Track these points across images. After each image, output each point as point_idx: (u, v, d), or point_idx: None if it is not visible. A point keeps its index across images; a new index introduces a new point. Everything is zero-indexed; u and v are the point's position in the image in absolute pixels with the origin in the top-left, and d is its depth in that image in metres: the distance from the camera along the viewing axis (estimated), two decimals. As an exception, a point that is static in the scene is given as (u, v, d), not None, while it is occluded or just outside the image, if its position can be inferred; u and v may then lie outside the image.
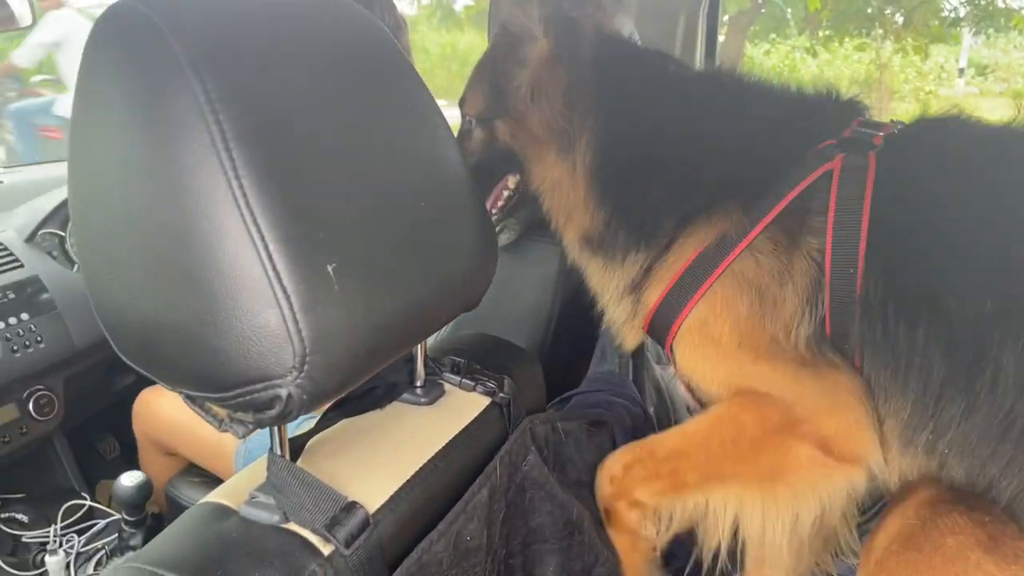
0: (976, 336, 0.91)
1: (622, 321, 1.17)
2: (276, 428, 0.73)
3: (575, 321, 1.37)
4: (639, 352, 1.36)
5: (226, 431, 0.69)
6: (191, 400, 0.69)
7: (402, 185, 0.75)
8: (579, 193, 1.14)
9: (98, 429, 2.25)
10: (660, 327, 1.10)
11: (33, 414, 1.85)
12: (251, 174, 0.60)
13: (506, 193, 1.30)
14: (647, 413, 1.44)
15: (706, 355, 1.06)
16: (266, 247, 0.60)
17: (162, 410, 1.74)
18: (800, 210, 1.01)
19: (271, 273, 0.60)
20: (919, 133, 1.06)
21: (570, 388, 1.27)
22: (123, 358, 0.68)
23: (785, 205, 1.01)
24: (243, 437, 0.69)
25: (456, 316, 0.85)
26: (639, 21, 1.72)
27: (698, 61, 2.04)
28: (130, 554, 0.68)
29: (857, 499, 1.06)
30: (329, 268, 0.64)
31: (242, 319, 0.60)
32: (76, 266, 2.03)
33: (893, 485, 1.02)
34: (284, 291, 0.61)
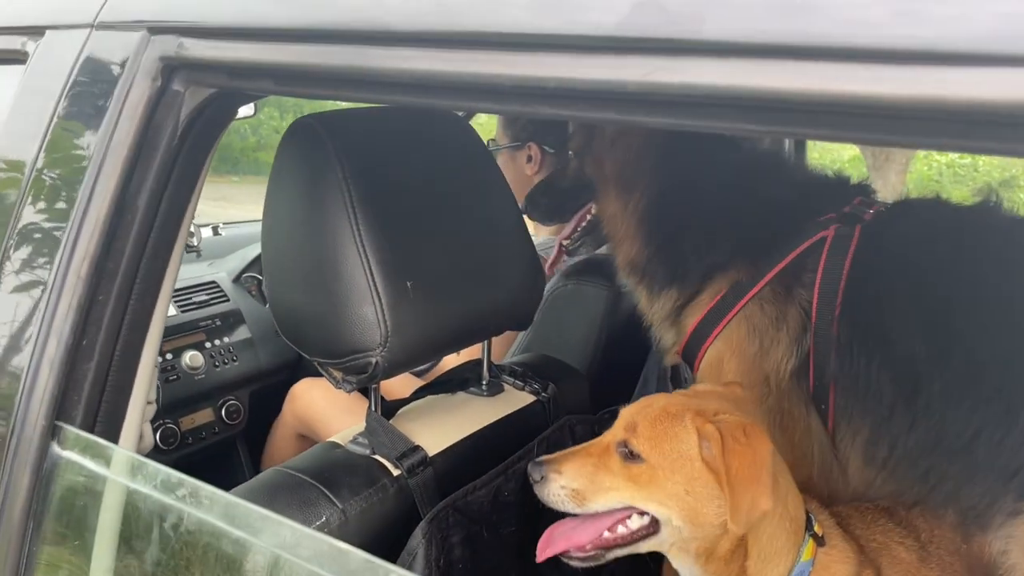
0: (913, 370, 1.12)
1: (667, 344, 1.46)
2: (373, 391, 1.09)
3: (621, 351, 1.66)
4: (677, 376, 1.63)
5: (340, 388, 1.06)
6: (321, 366, 1.07)
7: (468, 234, 1.12)
8: (628, 228, 1.47)
9: (271, 439, 2.73)
10: (690, 355, 1.38)
11: (224, 419, 2.32)
12: (365, 224, 0.98)
13: (588, 217, 1.68)
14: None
15: None
16: (370, 268, 0.98)
17: (316, 398, 2.12)
18: (797, 268, 1.27)
19: (371, 283, 0.97)
20: (899, 211, 1.29)
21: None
22: (282, 336, 1.08)
23: (786, 263, 1.27)
24: (349, 391, 1.05)
25: (505, 330, 1.19)
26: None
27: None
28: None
29: None
30: (408, 284, 1.00)
31: (351, 310, 0.98)
32: (268, 303, 2.55)
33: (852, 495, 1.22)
34: (378, 295, 0.98)
